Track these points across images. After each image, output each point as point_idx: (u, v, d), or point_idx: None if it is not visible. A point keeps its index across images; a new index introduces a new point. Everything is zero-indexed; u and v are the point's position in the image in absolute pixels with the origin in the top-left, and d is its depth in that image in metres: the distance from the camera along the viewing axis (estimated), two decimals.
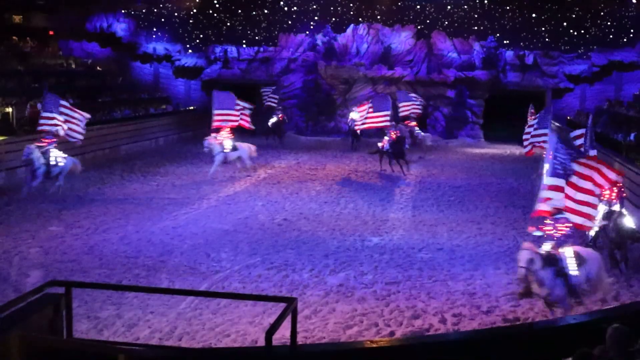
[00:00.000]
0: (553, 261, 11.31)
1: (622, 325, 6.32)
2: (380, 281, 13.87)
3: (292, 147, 35.17)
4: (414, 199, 22.35)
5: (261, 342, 9.83)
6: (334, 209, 20.68)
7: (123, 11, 43.02)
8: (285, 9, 43.07)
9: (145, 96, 40.90)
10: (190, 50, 43.14)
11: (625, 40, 39.47)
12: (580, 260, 11.46)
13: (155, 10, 43.69)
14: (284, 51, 41.30)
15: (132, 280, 13.53)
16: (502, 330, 10.16)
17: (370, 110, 27.15)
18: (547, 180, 11.46)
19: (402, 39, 40.62)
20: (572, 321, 8.89)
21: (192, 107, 42.21)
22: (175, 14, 43.59)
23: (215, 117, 25.56)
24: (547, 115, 22.18)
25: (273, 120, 35.48)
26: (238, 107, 26.03)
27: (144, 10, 43.56)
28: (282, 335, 9.12)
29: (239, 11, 43.12)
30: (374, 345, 7.97)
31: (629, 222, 14.69)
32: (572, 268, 11.28)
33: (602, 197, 14.33)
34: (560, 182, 11.31)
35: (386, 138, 26.86)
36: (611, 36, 39.81)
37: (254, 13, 43.16)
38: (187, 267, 14.44)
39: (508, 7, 41.36)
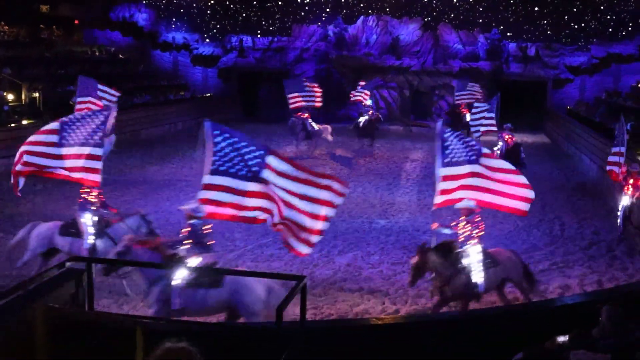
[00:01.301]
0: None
1: (616, 305, 6.28)
2: (387, 261, 13.87)
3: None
4: (419, 183, 22.27)
5: (272, 318, 9.85)
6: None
7: (144, 2, 42.99)
8: (299, 0, 42.87)
9: (165, 83, 40.88)
10: (207, 40, 43.05)
11: (623, 33, 39.09)
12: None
13: (174, 1, 43.60)
14: (297, 41, 41.14)
15: None
16: (501, 309, 10.14)
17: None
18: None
19: (409, 31, 40.38)
20: (569, 301, 8.86)
21: (208, 94, 42.19)
22: (194, 4, 43.49)
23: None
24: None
25: (364, 119, 29.24)
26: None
27: (164, 1, 43.48)
28: (292, 312, 9.12)
29: (254, 2, 42.95)
30: (380, 322, 7.97)
31: None
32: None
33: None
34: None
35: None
36: (610, 29, 39.44)
37: (268, 4, 42.99)
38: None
39: (511, 1, 41.03)
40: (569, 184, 22.67)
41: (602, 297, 8.37)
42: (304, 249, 8.95)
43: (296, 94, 27.98)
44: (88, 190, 12.09)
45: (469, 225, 10.54)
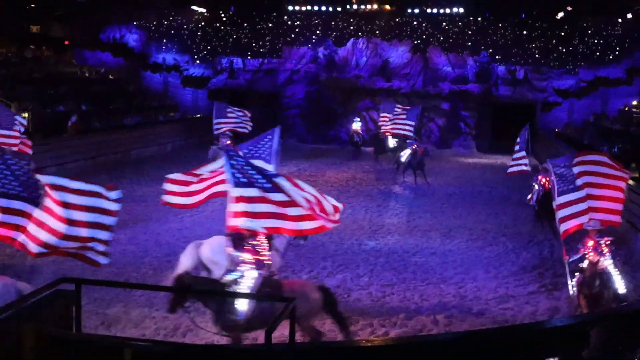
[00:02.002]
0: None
1: (606, 327, 6.30)
2: (376, 283, 13.84)
3: (294, 154, 35.13)
4: (409, 205, 22.31)
5: (261, 340, 9.79)
6: None
7: (135, 23, 43.13)
8: (289, 23, 43.16)
9: (155, 104, 40.90)
10: (197, 61, 43.19)
11: (611, 57, 39.54)
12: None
13: (165, 22, 43.78)
14: (287, 63, 41.35)
15: (140, 279, 13.50)
16: (491, 331, 10.12)
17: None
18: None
19: (399, 53, 40.65)
20: (559, 324, 8.86)
21: (198, 115, 42.21)
22: (184, 26, 43.69)
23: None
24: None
25: (407, 153, 26.24)
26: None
27: (154, 23, 43.65)
28: (281, 333, 9.08)
29: (245, 24, 43.20)
30: (369, 345, 7.95)
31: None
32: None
33: None
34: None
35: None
36: (598, 53, 39.87)
37: (259, 26, 43.24)
38: None
39: (500, 25, 41.46)
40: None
41: (592, 320, 8.38)
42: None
43: (222, 120, 24.99)
44: None
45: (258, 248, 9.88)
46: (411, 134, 27.13)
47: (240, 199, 9.15)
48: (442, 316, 11.90)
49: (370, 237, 17.79)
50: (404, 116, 27.75)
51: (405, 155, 26.12)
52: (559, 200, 10.87)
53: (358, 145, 33.24)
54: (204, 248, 11.47)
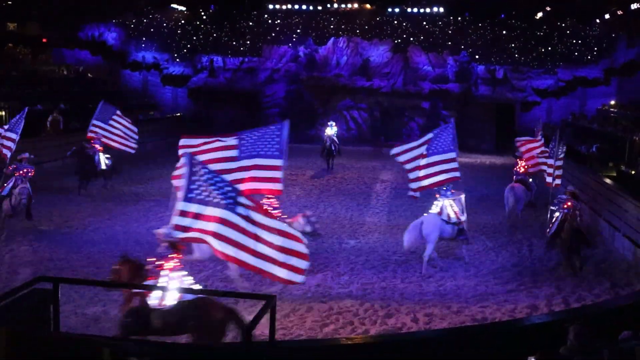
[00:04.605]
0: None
1: (583, 324, 6.36)
2: (356, 282, 13.88)
3: None
4: (389, 204, 22.37)
5: (241, 339, 9.78)
6: (313, 213, 20.64)
7: (114, 21, 42.78)
8: (269, 21, 43.06)
9: (134, 103, 40.62)
10: (177, 60, 42.95)
11: (589, 57, 39.87)
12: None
13: (144, 20, 43.49)
14: (267, 62, 41.27)
15: None
16: (470, 329, 10.20)
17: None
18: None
19: (380, 52, 40.73)
20: (537, 321, 8.94)
21: (178, 114, 42.03)
22: (164, 24, 43.41)
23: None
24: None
25: (556, 215, 15.56)
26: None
27: (134, 21, 43.34)
28: (262, 332, 9.07)
29: (225, 23, 43.03)
30: (349, 342, 7.97)
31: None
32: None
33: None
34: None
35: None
36: (576, 53, 40.20)
37: (239, 25, 43.11)
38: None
39: (480, 24, 41.64)
40: (537, 205, 22.91)
41: (569, 317, 8.47)
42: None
43: (102, 124, 22.21)
44: (270, 198, 13.45)
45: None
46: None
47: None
48: (422, 314, 11.96)
49: (350, 236, 17.82)
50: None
51: None
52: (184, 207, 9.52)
53: (332, 153, 29.13)
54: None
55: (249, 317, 10.95)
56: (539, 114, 39.52)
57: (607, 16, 38.90)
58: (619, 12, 37.23)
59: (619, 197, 16.99)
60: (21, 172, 16.75)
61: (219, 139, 12.48)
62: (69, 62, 41.39)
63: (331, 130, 29.24)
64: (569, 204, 14.45)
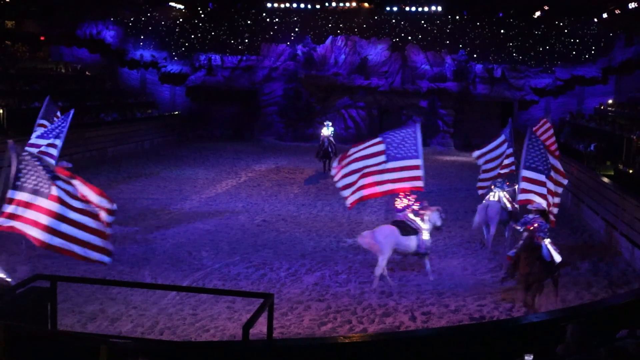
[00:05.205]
0: None
1: (581, 323, 6.36)
2: (354, 280, 13.88)
3: (272, 151, 35.12)
4: (387, 202, 22.35)
5: (239, 338, 9.79)
6: (311, 211, 20.67)
7: (112, 19, 42.74)
8: (268, 20, 43.05)
9: (132, 101, 40.64)
10: (175, 58, 42.93)
11: (587, 56, 39.95)
12: None
13: (143, 18, 43.45)
14: (265, 60, 41.26)
15: (117, 276, 13.43)
16: (468, 327, 10.20)
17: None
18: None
19: (378, 51, 40.73)
20: (535, 319, 8.94)
21: (176, 112, 42.04)
22: (162, 22, 43.38)
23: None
24: None
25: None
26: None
27: (132, 19, 43.30)
28: (260, 330, 9.08)
29: (223, 21, 43.02)
30: (347, 341, 7.96)
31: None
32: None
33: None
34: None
35: None
36: (574, 52, 40.27)
37: (237, 23, 43.08)
38: (169, 265, 14.35)
39: (478, 23, 41.68)
40: None
41: (567, 315, 8.47)
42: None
43: (46, 123, 18.54)
44: (408, 195, 14.46)
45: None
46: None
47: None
48: (419, 313, 11.96)
49: (348, 235, 17.81)
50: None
51: None
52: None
53: (328, 155, 27.43)
54: None
55: (246, 316, 10.98)
56: (537, 112, 39.60)
57: (605, 15, 38.93)
58: (617, 11, 37.26)
59: (617, 196, 17.01)
60: None
61: (366, 145, 13.83)
62: (67, 60, 41.32)
63: (327, 130, 28.00)
64: (536, 225, 12.39)
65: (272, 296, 5.93)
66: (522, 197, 12.88)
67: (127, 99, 40.57)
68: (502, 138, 17.53)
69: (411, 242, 13.80)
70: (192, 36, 43.25)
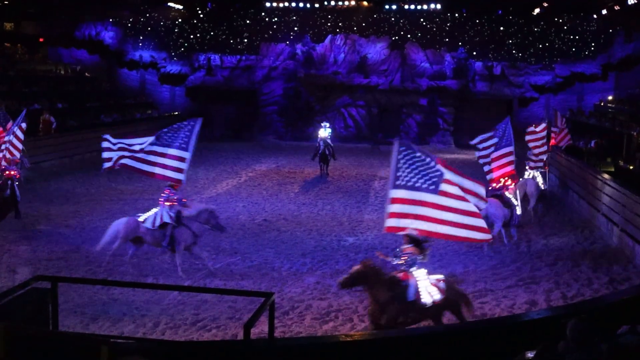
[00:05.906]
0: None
1: (582, 319, 6.36)
2: None
3: (272, 151, 35.12)
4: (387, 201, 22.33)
5: (241, 337, 9.80)
6: (312, 210, 20.66)
7: (111, 20, 42.74)
8: (267, 19, 43.05)
9: (132, 102, 40.62)
10: (175, 58, 42.92)
11: (586, 53, 39.94)
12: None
13: (141, 19, 43.45)
14: (265, 60, 41.24)
15: (118, 277, 13.43)
16: (470, 325, 10.19)
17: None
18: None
19: (377, 49, 40.71)
20: (535, 316, 8.94)
21: (176, 113, 42.01)
22: (161, 23, 43.38)
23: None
24: None
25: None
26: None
27: (131, 19, 43.29)
28: (261, 330, 9.08)
29: (222, 21, 43.02)
30: (349, 340, 7.96)
31: None
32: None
33: None
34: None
35: None
36: (574, 49, 40.25)
37: (236, 23, 43.09)
38: (170, 265, 14.34)
39: (477, 21, 41.67)
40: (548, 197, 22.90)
41: (568, 312, 8.47)
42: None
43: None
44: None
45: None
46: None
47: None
48: None
49: (349, 233, 17.82)
50: None
51: None
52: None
53: (326, 158, 26.71)
54: None
55: (248, 316, 10.98)
56: (536, 109, 39.62)
57: (604, 11, 38.91)
58: (616, 8, 37.23)
59: (617, 192, 17.00)
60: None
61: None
62: (66, 61, 41.33)
63: (325, 132, 26.94)
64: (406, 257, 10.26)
65: (273, 295, 5.93)
66: (390, 223, 10.37)
67: (127, 99, 40.56)
68: (491, 133, 19.16)
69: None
70: (191, 36, 43.25)
